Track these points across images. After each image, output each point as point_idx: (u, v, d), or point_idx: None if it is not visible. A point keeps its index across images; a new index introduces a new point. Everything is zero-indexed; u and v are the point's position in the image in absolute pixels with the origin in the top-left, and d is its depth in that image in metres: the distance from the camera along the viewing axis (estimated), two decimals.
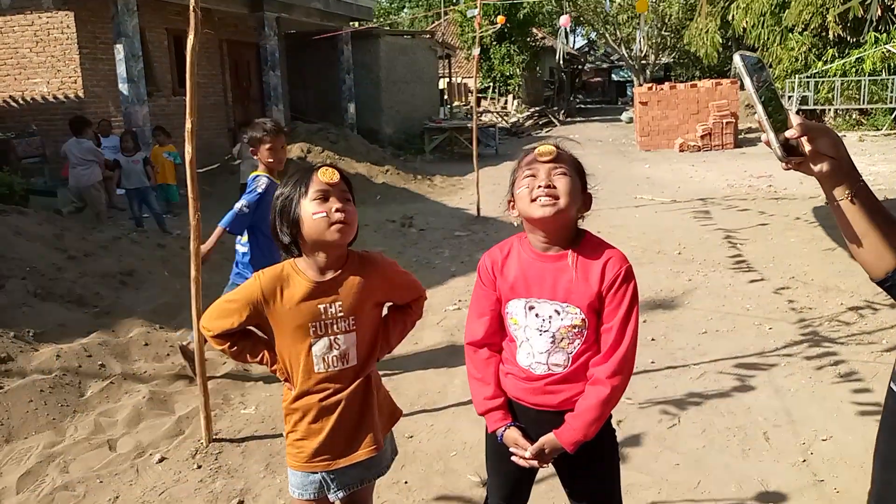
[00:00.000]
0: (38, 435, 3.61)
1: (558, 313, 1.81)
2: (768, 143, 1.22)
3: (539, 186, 1.77)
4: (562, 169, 1.80)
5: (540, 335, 1.83)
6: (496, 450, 2.03)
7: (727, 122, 17.03)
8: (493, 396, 1.93)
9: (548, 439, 1.83)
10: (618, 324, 1.78)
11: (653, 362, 4.36)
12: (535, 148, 1.85)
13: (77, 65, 11.42)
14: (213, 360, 4.30)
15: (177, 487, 3.21)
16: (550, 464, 1.96)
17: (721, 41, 21.91)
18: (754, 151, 16.22)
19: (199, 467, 3.37)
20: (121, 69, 10.68)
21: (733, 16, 19.62)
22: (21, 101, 11.88)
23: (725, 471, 3.14)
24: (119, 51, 10.57)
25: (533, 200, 1.77)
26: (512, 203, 1.89)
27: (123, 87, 10.75)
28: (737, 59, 1.25)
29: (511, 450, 1.89)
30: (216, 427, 3.71)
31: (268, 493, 3.14)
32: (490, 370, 1.95)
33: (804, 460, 3.20)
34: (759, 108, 1.22)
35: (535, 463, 1.86)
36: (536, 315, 1.83)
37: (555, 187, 1.77)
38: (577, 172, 1.83)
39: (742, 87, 18.33)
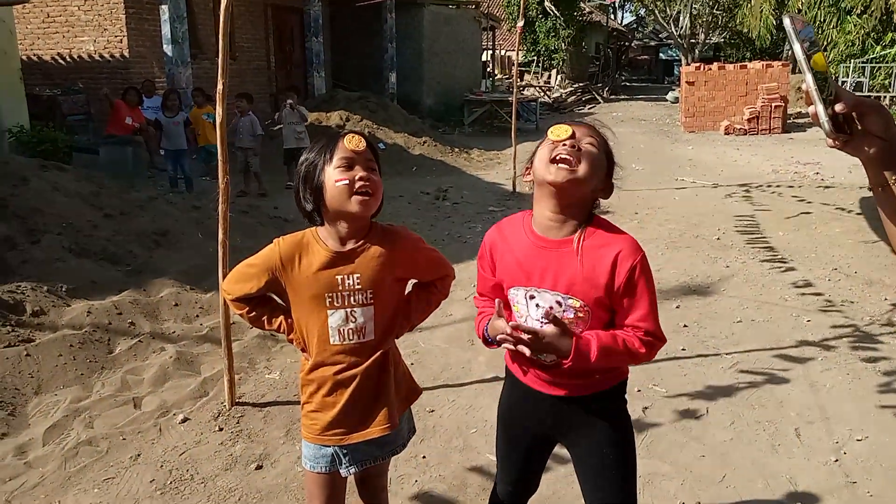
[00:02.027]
0: (66, 389, 3.67)
1: (560, 304, 1.70)
2: (815, 117, 1.11)
3: (563, 145, 1.65)
4: (592, 140, 1.69)
5: (542, 326, 1.72)
6: (507, 432, 1.98)
7: (776, 106, 16.52)
8: (488, 316, 1.84)
9: (554, 332, 1.64)
10: (648, 317, 1.67)
11: (683, 349, 4.26)
12: (566, 122, 1.73)
13: (123, 24, 11.50)
14: (240, 323, 4.31)
15: (197, 449, 3.23)
16: (565, 448, 1.88)
17: (775, 22, 21.17)
18: (803, 137, 15.73)
19: (221, 430, 3.39)
20: (165, 30, 10.73)
21: None
22: (68, 59, 12.03)
23: (753, 466, 3.05)
24: (164, 11, 10.61)
25: (552, 161, 1.65)
26: (529, 169, 1.77)
27: (168, 49, 10.81)
28: (786, 21, 1.15)
29: (501, 331, 1.69)
30: (240, 391, 3.73)
31: (286, 459, 3.15)
32: (492, 310, 1.84)
33: (836, 460, 3.09)
34: (809, 76, 1.11)
35: (521, 341, 1.64)
36: (537, 305, 1.73)
37: (580, 151, 1.66)
38: (606, 154, 1.73)
39: (794, 70, 17.77)
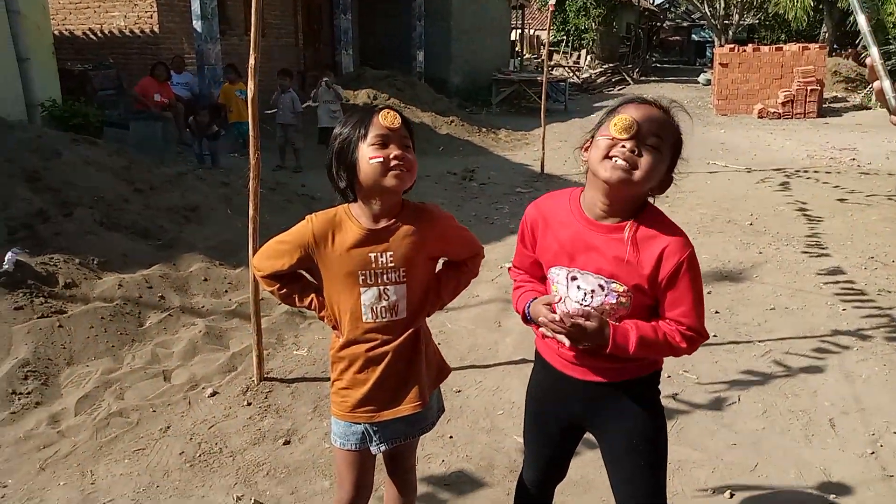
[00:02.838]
0: (98, 361, 3.71)
1: (602, 288, 1.65)
2: (880, 94, 1.06)
3: (622, 146, 1.56)
4: (657, 141, 1.58)
5: (580, 308, 1.69)
6: (535, 419, 1.95)
7: (812, 90, 16.14)
8: (530, 290, 1.82)
9: (598, 317, 1.63)
10: (692, 313, 1.62)
11: (715, 336, 4.19)
12: (637, 100, 1.63)
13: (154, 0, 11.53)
14: (268, 299, 4.33)
15: (226, 422, 3.25)
16: (594, 437, 1.85)
17: (812, 3, 20.65)
18: (839, 122, 15.38)
19: (249, 404, 3.41)
20: (195, 6, 10.74)
21: None
22: (99, 34, 12.10)
23: (785, 455, 2.99)
24: None
25: (607, 157, 1.58)
26: (588, 146, 1.69)
27: (197, 24, 10.82)
28: None
29: (543, 315, 1.68)
30: (268, 366, 3.74)
31: (314, 435, 3.15)
32: (531, 284, 1.85)
33: (872, 452, 3.02)
34: (874, 49, 1.06)
35: (561, 334, 1.64)
36: (578, 287, 1.68)
37: (640, 156, 1.57)
38: (671, 149, 1.63)
39: (831, 53, 17.28)
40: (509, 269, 1.96)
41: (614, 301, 1.65)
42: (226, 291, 4.66)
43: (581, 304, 1.68)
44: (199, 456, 3.00)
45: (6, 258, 4.06)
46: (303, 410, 3.37)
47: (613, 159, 1.57)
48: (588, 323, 1.61)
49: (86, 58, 11.75)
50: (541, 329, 1.73)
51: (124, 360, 3.77)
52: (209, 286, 4.65)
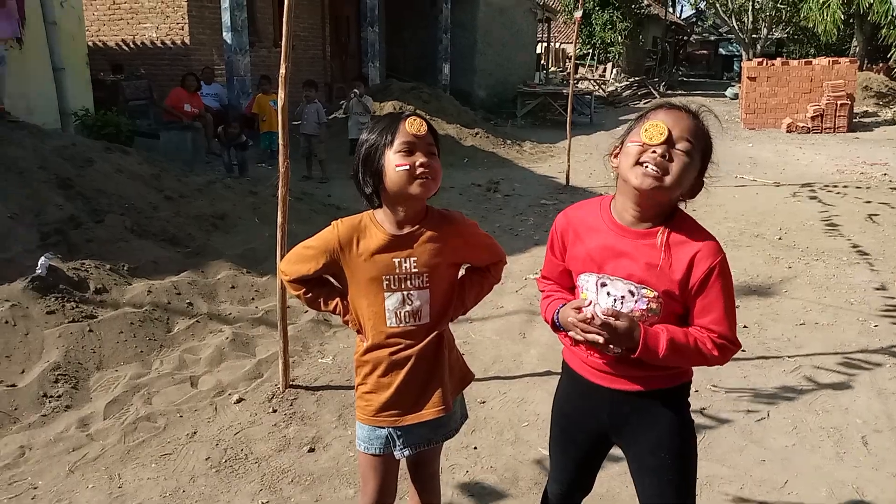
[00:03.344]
0: (126, 365, 3.76)
1: (632, 294, 1.65)
2: None
3: (653, 152, 1.56)
4: (688, 146, 1.58)
5: (610, 308, 1.68)
6: (562, 432, 1.93)
7: (841, 104, 15.94)
8: (558, 299, 1.81)
9: (628, 318, 1.61)
10: (724, 320, 1.61)
11: (743, 350, 4.13)
12: (666, 106, 1.63)
13: (185, 12, 11.75)
14: (294, 307, 4.36)
15: (252, 429, 3.27)
16: (621, 450, 1.83)
17: (842, 17, 20.42)
18: (869, 137, 15.17)
19: (275, 411, 3.43)
20: (225, 18, 10.90)
21: None
22: (131, 45, 12.34)
23: (816, 473, 2.94)
24: (224, 0, 10.78)
25: (638, 164, 1.58)
26: (617, 152, 1.69)
27: (227, 36, 10.99)
28: None
29: (572, 318, 1.67)
30: (293, 373, 3.76)
31: (338, 443, 3.16)
32: (559, 293, 1.84)
33: None
34: None
35: (593, 333, 1.62)
36: (608, 293, 1.68)
37: (671, 161, 1.57)
38: (702, 154, 1.62)
39: (862, 67, 17.05)
40: (537, 279, 1.97)
41: (644, 307, 1.65)
42: (252, 299, 4.70)
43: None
44: (225, 462, 3.02)
45: (39, 263, 4.13)
46: (327, 418, 3.38)
47: (645, 166, 1.57)
48: (618, 322, 1.60)
49: (118, 68, 11.99)
50: (570, 334, 1.72)
51: (152, 365, 3.81)
52: (236, 293, 4.69)
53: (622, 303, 1.66)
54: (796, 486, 2.84)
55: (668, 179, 1.56)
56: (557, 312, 1.76)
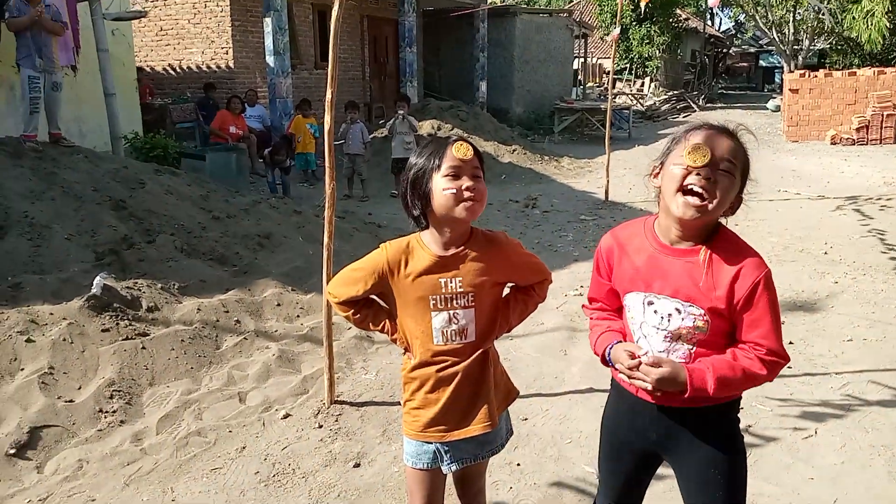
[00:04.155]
0: (178, 382, 3.87)
1: (679, 312, 1.67)
2: None
3: (697, 174, 1.59)
4: (730, 165, 1.61)
5: (657, 333, 1.71)
6: (612, 446, 1.94)
7: (888, 115, 15.58)
8: (606, 330, 1.85)
9: (672, 364, 1.65)
10: (770, 335, 1.62)
11: (790, 367, 4.04)
12: (705, 126, 1.66)
13: (229, 36, 12.09)
14: (338, 324, 4.44)
15: (298, 444, 3.34)
16: (670, 467, 1.84)
17: (888, 25, 20.01)
18: None
19: (320, 427, 3.50)
20: (268, 42, 11.19)
21: None
22: (178, 70, 12.72)
23: (867, 492, 2.89)
24: (268, 24, 11.06)
25: (682, 191, 1.61)
26: (657, 172, 1.73)
27: (270, 59, 11.26)
28: None
29: (620, 360, 1.72)
30: (338, 390, 3.83)
31: (383, 458, 3.21)
32: (606, 315, 1.89)
33: None
34: None
35: (641, 378, 1.66)
36: (655, 311, 1.71)
37: (715, 182, 1.59)
38: (742, 172, 1.65)
39: None
40: (584, 305, 1.99)
41: (691, 324, 1.67)
42: (297, 316, 4.81)
43: (658, 329, 1.70)
44: (274, 476, 3.09)
45: (94, 282, 4.29)
46: (372, 433, 3.44)
47: (687, 196, 1.60)
48: (661, 370, 1.63)
49: (165, 92, 12.38)
50: (619, 375, 1.77)
51: (202, 381, 3.92)
52: (282, 311, 4.80)
53: (669, 320, 1.69)
54: None
55: (711, 204, 1.59)
56: (610, 351, 1.79)
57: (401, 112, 9.70)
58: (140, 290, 4.50)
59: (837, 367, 4.13)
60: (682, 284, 1.66)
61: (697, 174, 1.59)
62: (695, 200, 1.59)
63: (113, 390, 3.66)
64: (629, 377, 1.70)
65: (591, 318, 1.96)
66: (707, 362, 1.65)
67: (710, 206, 1.59)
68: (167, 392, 3.78)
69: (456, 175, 1.83)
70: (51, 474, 3.09)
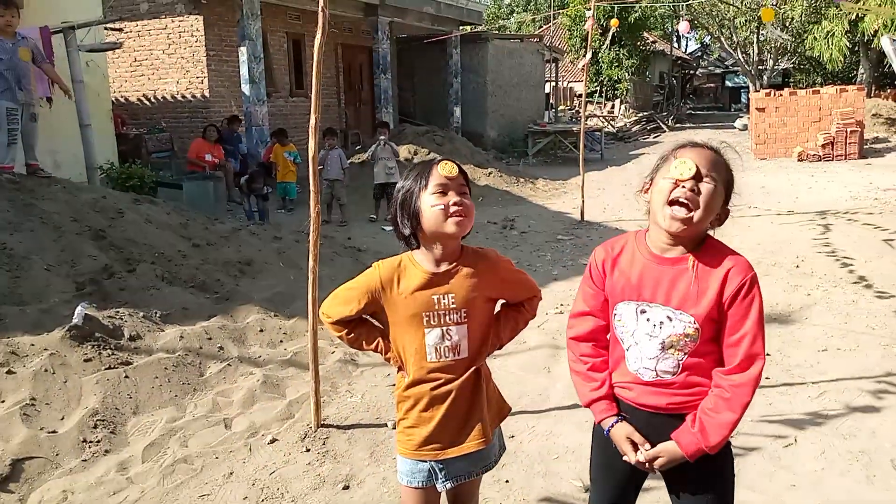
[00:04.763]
0: (162, 410, 3.85)
1: (670, 320, 1.74)
2: None
3: (682, 187, 1.69)
4: (713, 176, 1.71)
5: (649, 340, 1.78)
6: (603, 458, 1.98)
7: (852, 131, 16.03)
8: (600, 386, 1.89)
9: (667, 448, 1.76)
10: (750, 337, 1.70)
11: (768, 378, 4.16)
12: (689, 144, 1.77)
13: (204, 66, 12.12)
14: (323, 348, 4.44)
15: (286, 468, 3.34)
16: (659, 473, 1.89)
17: (848, 45, 20.65)
18: (881, 163, 15.22)
19: (308, 450, 3.50)
20: (244, 70, 11.25)
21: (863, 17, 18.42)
22: (153, 100, 12.71)
23: (848, 496, 2.96)
24: (243, 53, 11.14)
25: (669, 202, 1.71)
26: (647, 187, 1.83)
27: (245, 88, 11.32)
28: (885, 42, 1.19)
29: (621, 446, 1.83)
30: (324, 413, 3.83)
31: (372, 480, 3.22)
32: (596, 361, 1.92)
33: None
34: None
35: (645, 466, 1.80)
36: (647, 320, 1.78)
37: (699, 194, 1.69)
38: (725, 184, 1.75)
39: (870, 95, 17.16)
40: (570, 339, 2.00)
41: (682, 331, 1.74)
42: (281, 341, 4.81)
43: (651, 336, 1.77)
44: (262, 501, 3.08)
45: (76, 312, 4.26)
46: (360, 456, 3.45)
47: (673, 207, 1.69)
48: (660, 460, 1.78)
49: (140, 122, 12.35)
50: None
51: (187, 408, 3.91)
52: (265, 336, 4.80)
53: (661, 327, 1.76)
54: None
55: (696, 214, 1.69)
56: (612, 426, 1.87)
57: (382, 138, 9.80)
58: (122, 319, 4.47)
59: (814, 376, 4.23)
60: (673, 292, 1.74)
61: (683, 187, 1.69)
62: (681, 211, 1.69)
63: (97, 420, 3.63)
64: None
65: (580, 360, 1.96)
66: (693, 428, 1.74)
67: (696, 217, 1.69)
68: (152, 420, 3.75)
69: (443, 192, 1.89)
70: None
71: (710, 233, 1.81)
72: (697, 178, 1.69)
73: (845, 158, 15.96)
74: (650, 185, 1.81)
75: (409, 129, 14.48)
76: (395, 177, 9.74)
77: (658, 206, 1.73)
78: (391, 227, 2.06)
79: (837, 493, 2.99)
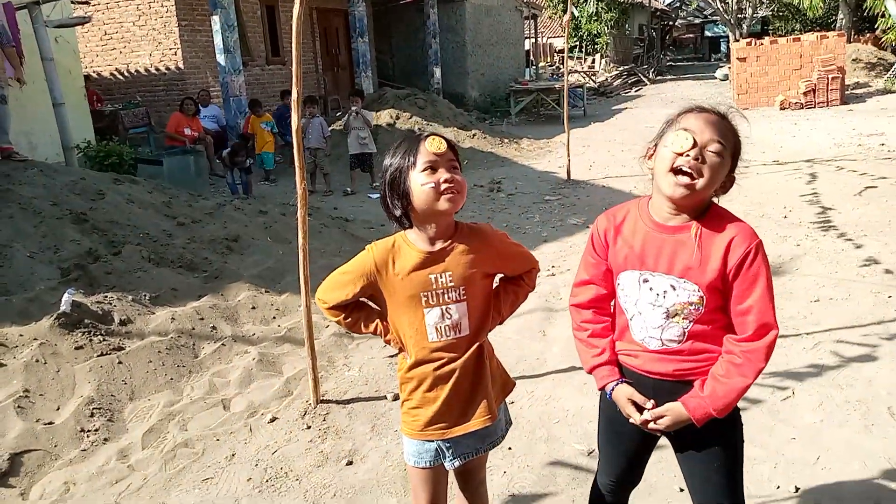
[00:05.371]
0: (158, 394, 3.82)
1: (674, 289, 1.71)
2: None
3: (686, 156, 1.64)
4: (719, 147, 1.66)
5: (653, 309, 1.75)
6: (611, 425, 1.97)
7: (833, 78, 15.98)
8: (601, 352, 1.88)
9: (673, 408, 1.74)
10: (761, 306, 1.66)
11: None
12: (696, 109, 1.72)
13: (177, 37, 11.83)
14: (317, 323, 4.41)
15: (289, 447, 3.33)
16: (667, 437, 1.88)
17: None
18: (863, 108, 15.21)
19: (309, 427, 3.49)
20: (217, 40, 10.97)
21: None
22: (126, 74, 12.42)
23: (847, 447, 2.99)
24: (216, 21, 10.85)
25: (673, 171, 1.66)
26: (652, 153, 1.78)
27: (220, 58, 11.06)
28: (890, 4, 1.14)
29: (624, 408, 1.81)
30: (322, 388, 3.81)
31: (375, 454, 3.22)
32: (597, 328, 1.90)
33: None
34: None
35: (650, 426, 1.79)
36: (650, 289, 1.75)
37: (703, 162, 1.64)
38: (732, 152, 1.71)
39: (850, 40, 17.04)
40: (572, 305, 1.99)
41: (686, 300, 1.71)
42: (274, 318, 4.76)
43: (654, 305, 1.74)
44: (267, 481, 3.07)
45: (62, 300, 4.19)
46: (361, 430, 3.44)
47: (677, 176, 1.65)
48: (664, 419, 1.76)
49: (115, 98, 12.08)
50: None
51: (184, 391, 3.87)
52: (258, 314, 4.75)
53: (664, 297, 1.73)
54: (829, 462, 2.90)
55: (700, 182, 1.64)
56: (613, 388, 1.85)
57: (354, 108, 9.62)
58: (111, 304, 4.40)
59: (808, 327, 4.25)
60: (675, 261, 1.71)
61: (687, 156, 1.64)
62: (684, 180, 1.64)
63: (93, 408, 3.59)
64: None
65: (581, 326, 1.95)
66: (702, 392, 1.73)
67: (699, 185, 1.64)
68: (149, 405, 3.72)
69: (433, 169, 1.83)
70: (37, 500, 3.02)
71: (715, 200, 1.76)
72: (702, 145, 1.65)
73: (827, 105, 15.94)
74: (654, 150, 1.76)
75: (390, 93, 14.25)
76: (368, 146, 9.61)
77: (661, 174, 1.69)
78: (378, 195, 2.00)
79: (837, 445, 3.02)
